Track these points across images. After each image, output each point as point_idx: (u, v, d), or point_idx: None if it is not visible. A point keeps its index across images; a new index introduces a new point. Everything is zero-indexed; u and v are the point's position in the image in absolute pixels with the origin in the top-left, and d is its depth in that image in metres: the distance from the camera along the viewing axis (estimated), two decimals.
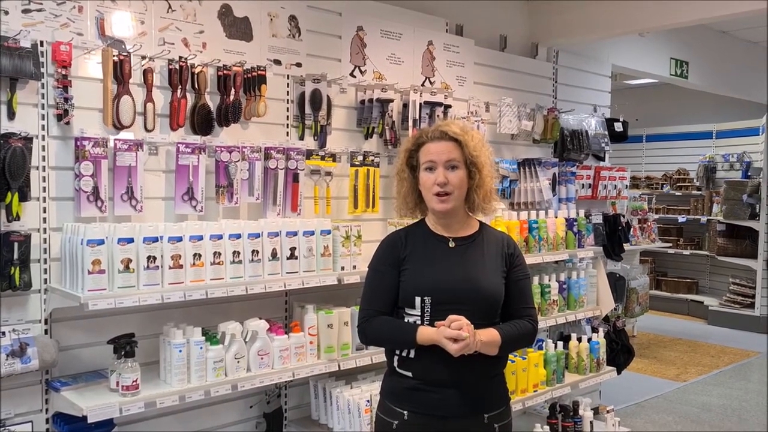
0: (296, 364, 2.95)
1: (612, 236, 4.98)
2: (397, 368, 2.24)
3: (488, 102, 4.20)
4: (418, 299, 2.19)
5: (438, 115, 3.73)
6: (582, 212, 4.40)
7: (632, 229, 7.13)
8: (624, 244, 5.06)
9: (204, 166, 2.90)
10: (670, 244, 9.37)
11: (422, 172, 2.25)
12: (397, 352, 2.24)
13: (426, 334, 2.15)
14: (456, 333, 2.07)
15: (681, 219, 9.89)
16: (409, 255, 2.25)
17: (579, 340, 4.25)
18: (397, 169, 2.35)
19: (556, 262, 4.35)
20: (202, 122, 2.95)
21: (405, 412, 2.20)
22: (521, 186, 4.27)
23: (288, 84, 3.29)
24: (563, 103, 4.76)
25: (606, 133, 4.89)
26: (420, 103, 3.66)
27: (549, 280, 4.07)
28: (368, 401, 3.09)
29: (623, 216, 5.20)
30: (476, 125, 3.96)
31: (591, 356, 4.26)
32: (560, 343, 4.12)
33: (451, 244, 2.28)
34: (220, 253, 2.72)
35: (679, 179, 10.16)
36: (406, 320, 2.23)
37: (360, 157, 3.46)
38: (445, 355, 2.12)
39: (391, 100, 3.59)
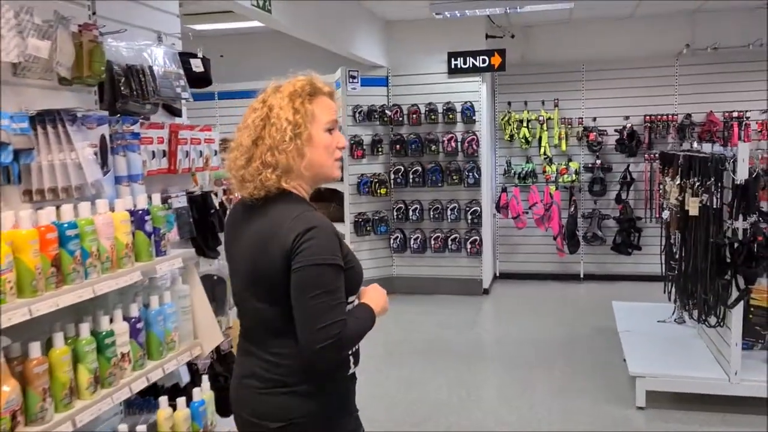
0: None
1: (202, 224, 3.46)
2: (352, 367, 1.98)
3: None
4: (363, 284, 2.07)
5: None
6: (157, 197, 2.71)
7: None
8: (219, 234, 3.59)
9: None
10: None
11: (322, 132, 1.92)
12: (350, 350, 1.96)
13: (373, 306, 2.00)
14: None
15: None
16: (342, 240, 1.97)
17: (173, 406, 2.61)
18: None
19: (121, 290, 2.57)
20: None
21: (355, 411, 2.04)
22: (39, 161, 2.29)
23: None
24: (106, 22, 2.92)
25: (181, 72, 3.25)
26: None
27: (112, 324, 2.32)
28: None
29: (215, 194, 3.70)
30: None
31: (195, 426, 2.67)
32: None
33: None
34: None
35: None
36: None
37: None
38: None
39: None
